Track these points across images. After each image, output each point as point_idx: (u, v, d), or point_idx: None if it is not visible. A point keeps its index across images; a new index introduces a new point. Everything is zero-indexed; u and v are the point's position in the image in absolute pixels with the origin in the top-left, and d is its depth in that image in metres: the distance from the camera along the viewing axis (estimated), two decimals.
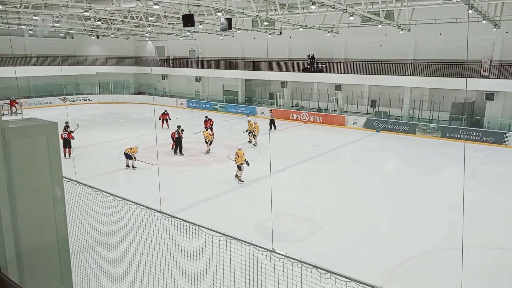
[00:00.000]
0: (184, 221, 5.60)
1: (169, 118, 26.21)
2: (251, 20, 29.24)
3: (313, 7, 16.99)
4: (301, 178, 15.52)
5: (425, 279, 8.49)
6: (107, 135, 23.16)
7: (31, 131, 1.79)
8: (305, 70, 29.84)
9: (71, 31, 33.61)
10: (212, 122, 22.73)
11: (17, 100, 30.70)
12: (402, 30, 23.49)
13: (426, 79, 24.58)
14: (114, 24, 28.75)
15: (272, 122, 25.01)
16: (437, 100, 25.48)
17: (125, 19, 25.61)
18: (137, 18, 25.15)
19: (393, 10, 21.75)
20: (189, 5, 18.45)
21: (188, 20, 16.84)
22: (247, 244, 4.92)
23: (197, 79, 37.58)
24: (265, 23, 26.44)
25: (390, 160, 19.61)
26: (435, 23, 21.81)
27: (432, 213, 12.05)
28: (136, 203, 5.98)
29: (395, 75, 25.86)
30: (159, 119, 26.23)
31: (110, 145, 19.27)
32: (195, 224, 5.43)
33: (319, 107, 30.23)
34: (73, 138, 17.85)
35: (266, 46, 32.22)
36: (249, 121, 21.59)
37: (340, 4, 17.44)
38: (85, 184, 6.31)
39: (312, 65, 29.40)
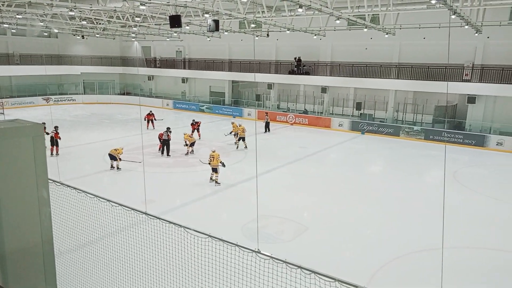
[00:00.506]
0: (170, 222, 5.59)
1: (155, 119, 26.04)
2: (238, 22, 29.30)
3: (300, 10, 17.15)
4: (287, 180, 15.60)
5: (408, 279, 8.64)
6: (92, 136, 22.87)
7: (16, 132, 1.78)
8: (291, 72, 30.02)
9: (55, 31, 33.08)
10: (199, 123, 22.68)
11: None
12: (387, 34, 23.85)
13: (410, 82, 25.01)
14: (100, 24, 28.42)
15: (267, 124, 25.13)
16: (420, 103, 25.94)
17: (111, 19, 25.35)
18: (123, 18, 24.92)
19: (378, 14, 22.06)
20: (176, 6, 18.39)
21: (175, 21, 16.76)
22: (233, 245, 4.94)
23: (184, 80, 37.42)
24: (252, 25, 26.53)
25: (375, 162, 19.87)
26: (419, 28, 22.23)
27: (416, 214, 12.26)
28: (121, 205, 5.95)
29: (380, 78, 26.26)
30: (145, 119, 26.03)
31: (95, 146, 19.03)
32: (180, 226, 5.43)
33: (305, 109, 30.44)
34: (59, 139, 17.89)
35: (253, 48, 32.30)
36: (233, 123, 21.61)
37: (327, 7, 17.63)
38: (69, 186, 6.24)
39: (299, 67, 29.59)
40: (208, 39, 32.88)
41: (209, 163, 14.30)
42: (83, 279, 7.22)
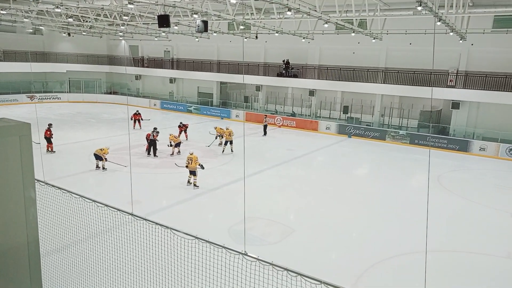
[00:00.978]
0: (156, 223, 5.55)
1: (142, 119, 25.82)
2: (227, 23, 29.29)
3: (288, 13, 17.21)
4: (274, 182, 15.64)
5: (393, 281, 8.75)
6: (77, 135, 22.54)
7: (2, 131, 1.74)
8: (280, 74, 30.14)
9: (40, 27, 32.54)
10: (187, 126, 22.56)
11: None
12: (374, 39, 24.15)
13: (396, 87, 25.35)
14: (87, 21, 28.06)
15: (265, 127, 25.17)
16: (406, 107, 26.32)
17: (98, 17, 25.06)
18: (110, 17, 24.67)
19: (366, 19, 22.34)
20: (164, 5, 18.29)
21: (164, 21, 16.66)
22: (220, 247, 4.93)
23: (172, 80, 37.20)
24: (241, 27, 26.59)
25: (361, 165, 20.07)
26: (406, 33, 22.58)
27: (401, 217, 12.43)
28: (106, 205, 5.88)
29: (367, 82, 26.56)
30: (131, 119, 25.78)
31: (80, 146, 18.77)
32: (167, 227, 5.39)
33: (293, 112, 30.57)
34: (50, 136, 18.09)
35: (241, 49, 32.31)
36: (215, 127, 21.44)
37: (315, 11, 17.76)
38: (53, 185, 6.14)
39: (287, 70, 29.74)
40: (197, 39, 32.78)
41: (187, 166, 13.87)
42: (68, 279, 7.10)
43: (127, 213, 5.69)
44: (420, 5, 13.87)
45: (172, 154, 18.54)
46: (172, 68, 37.00)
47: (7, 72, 33.64)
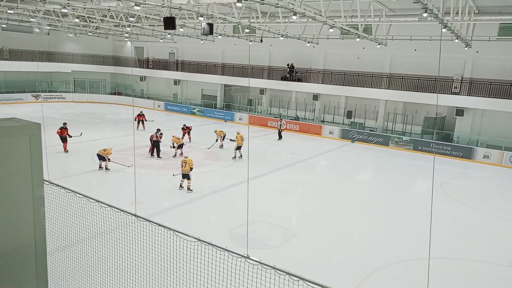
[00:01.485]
0: (159, 225, 5.57)
1: (145, 120, 25.90)
2: (232, 26, 29.41)
3: (294, 17, 17.29)
4: (277, 186, 15.64)
5: (395, 287, 8.71)
6: (73, 134, 22.62)
7: (13, 131, 1.76)
8: (284, 78, 30.18)
9: (47, 27, 32.76)
10: (191, 128, 22.60)
11: None
12: (379, 44, 24.17)
13: (400, 93, 25.33)
14: (93, 22, 28.24)
15: (280, 132, 25.12)
16: (410, 113, 26.28)
17: (104, 18, 25.22)
18: (117, 18, 24.82)
19: (371, 24, 22.39)
20: (171, 8, 18.39)
21: (169, 23, 16.74)
22: (222, 250, 4.94)
23: (176, 82, 37.33)
24: (246, 30, 26.66)
25: (364, 171, 20.03)
26: (411, 40, 22.60)
27: (404, 223, 12.39)
28: (110, 206, 5.90)
29: (371, 87, 26.54)
30: (135, 120, 25.88)
31: (84, 146, 18.85)
32: (170, 229, 5.41)
33: (296, 116, 30.58)
34: (64, 135, 18.38)
35: (246, 53, 32.41)
36: (215, 130, 21.45)
37: (321, 16, 17.81)
38: (58, 185, 6.18)
39: (291, 73, 29.77)
40: (202, 42, 32.91)
41: (182, 169, 13.52)
42: (71, 278, 7.12)
43: (131, 214, 5.71)
44: (426, 12, 13.87)
45: (175, 155, 18.58)
46: (177, 70, 37.14)
47: (12, 71, 33.87)
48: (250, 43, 29.94)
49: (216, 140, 21.07)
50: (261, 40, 28.84)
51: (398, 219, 12.71)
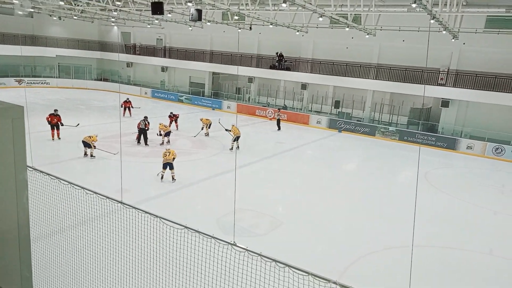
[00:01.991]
0: (146, 212, 5.53)
1: (132, 107, 25.58)
2: (221, 13, 29.05)
3: (283, 5, 17.14)
4: (264, 174, 15.69)
5: (378, 274, 8.89)
6: (66, 122, 22.22)
7: None
8: (273, 67, 30.08)
9: (31, 10, 31.83)
10: (178, 116, 22.39)
11: None
12: (368, 34, 24.21)
13: (387, 84, 25.52)
14: (78, 5, 27.54)
15: (278, 122, 24.86)
16: (397, 104, 26.55)
17: (90, 1, 24.60)
18: (103, 1, 24.24)
19: (360, 14, 22.37)
20: None
21: (157, 8, 16.46)
22: (209, 237, 4.95)
23: (163, 69, 36.86)
24: (236, 17, 26.36)
25: (350, 160, 20.23)
26: (399, 30, 22.71)
27: (388, 212, 12.59)
28: (95, 193, 5.84)
29: (359, 77, 26.66)
30: (121, 106, 25.53)
31: (69, 132, 18.53)
32: (156, 216, 5.38)
33: (284, 105, 30.59)
34: (53, 122, 17.95)
35: (235, 40, 32.14)
36: (201, 119, 21.32)
37: (310, 4, 17.71)
38: (41, 171, 6.07)
39: (280, 62, 29.68)
40: (190, 28, 32.46)
41: (165, 158, 13.26)
42: (56, 265, 7.07)
43: (117, 201, 5.66)
44: (415, 2, 13.92)
45: (162, 143, 18.45)
46: (164, 57, 36.64)
47: None
48: (239, 30, 29.67)
49: (202, 128, 20.96)
50: (250, 28, 28.60)
51: (383, 208, 12.92)
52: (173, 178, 13.54)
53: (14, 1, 25.88)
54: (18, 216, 1.73)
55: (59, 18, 33.95)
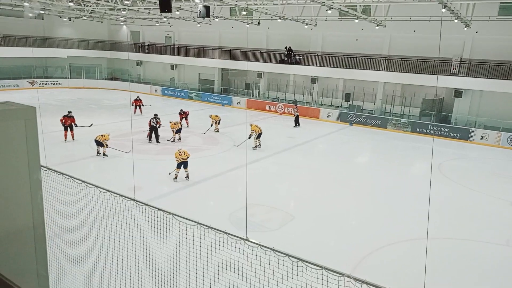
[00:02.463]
0: (159, 209, 5.59)
1: (142, 105, 25.78)
2: (229, 9, 28.98)
3: None
4: (275, 169, 15.68)
5: (391, 267, 8.84)
6: (78, 121, 22.50)
7: (7, 115, 1.75)
8: (282, 61, 29.94)
9: (41, 12, 32.20)
10: (188, 113, 22.48)
11: None
12: (378, 25, 23.91)
13: (398, 75, 25.19)
14: (88, 6, 27.77)
15: (296, 118, 24.36)
16: (408, 95, 26.20)
17: (99, 2, 24.78)
18: (111, 1, 24.40)
19: (370, 5, 22.09)
20: None
21: (165, 6, 16.46)
22: (222, 233, 4.97)
23: (173, 67, 36.99)
24: (244, 13, 26.28)
25: (362, 153, 20.08)
26: (410, 20, 22.34)
27: (401, 204, 12.49)
28: (108, 191, 5.91)
29: (369, 69, 26.38)
30: (132, 105, 25.75)
31: (81, 131, 18.77)
32: (169, 213, 5.43)
33: (294, 99, 30.45)
34: (67, 124, 18.01)
35: (243, 36, 32.05)
36: (210, 115, 21.30)
37: None
38: (56, 171, 6.17)
39: (289, 56, 29.52)
40: (198, 25, 32.48)
41: (180, 157, 13.15)
42: (72, 263, 7.19)
43: (130, 198, 5.72)
44: None
45: (174, 140, 18.56)
46: (173, 54, 36.75)
47: (8, 57, 33.41)
48: (248, 25, 29.57)
49: (211, 125, 21.01)
50: (259, 23, 28.47)
51: (396, 201, 12.81)
52: (187, 176, 13.59)
53: (24, 3, 26.20)
54: (33, 216, 1.76)
55: (69, 19, 34.28)
